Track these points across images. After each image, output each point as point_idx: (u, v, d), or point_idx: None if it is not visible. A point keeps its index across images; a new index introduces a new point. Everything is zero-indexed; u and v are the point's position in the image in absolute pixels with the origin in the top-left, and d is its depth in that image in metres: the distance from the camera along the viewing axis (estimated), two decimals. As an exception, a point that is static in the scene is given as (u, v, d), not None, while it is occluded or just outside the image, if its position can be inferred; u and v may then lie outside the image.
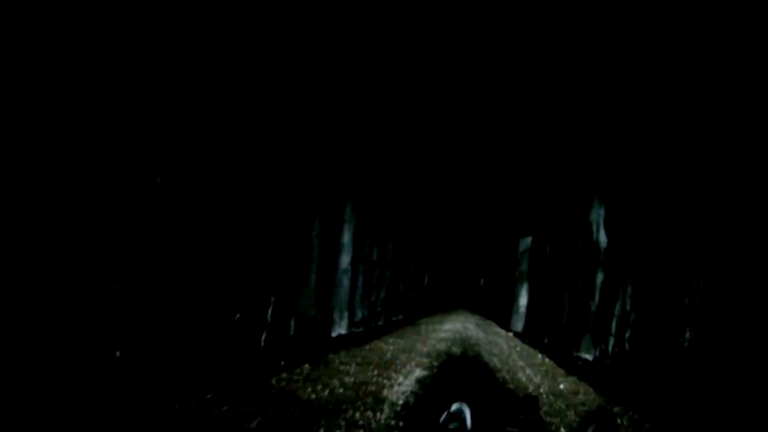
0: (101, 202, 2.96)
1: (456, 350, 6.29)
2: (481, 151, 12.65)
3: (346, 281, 7.74)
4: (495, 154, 12.59)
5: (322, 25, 5.92)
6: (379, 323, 10.16)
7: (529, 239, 12.48)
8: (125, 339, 3.29)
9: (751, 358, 3.62)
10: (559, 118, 9.22)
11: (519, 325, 11.87)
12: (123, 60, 3.08)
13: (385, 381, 3.98)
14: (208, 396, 3.30)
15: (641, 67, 5.95)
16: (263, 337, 5.29)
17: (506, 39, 7.59)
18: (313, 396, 3.41)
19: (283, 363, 4.81)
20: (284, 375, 4.12)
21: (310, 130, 6.03)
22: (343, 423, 2.96)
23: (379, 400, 3.39)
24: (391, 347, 6.20)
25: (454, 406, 2.54)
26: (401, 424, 3.01)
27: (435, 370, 4.68)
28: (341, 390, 3.59)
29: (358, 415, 3.15)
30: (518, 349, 7.36)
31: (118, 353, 3.32)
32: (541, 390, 4.52)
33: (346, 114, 7.29)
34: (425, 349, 6.11)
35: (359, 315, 8.63)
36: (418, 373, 4.43)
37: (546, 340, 9.16)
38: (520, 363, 5.67)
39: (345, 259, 7.66)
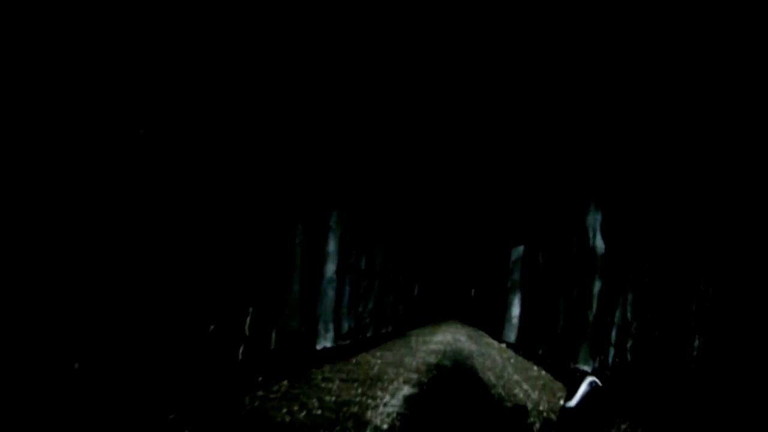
0: (56, 202, 2.59)
1: (447, 364, 5.91)
2: (472, 161, 12.38)
3: (331, 291, 7.36)
4: (485, 163, 12.32)
5: (308, 30, 5.61)
6: (368, 335, 9.77)
7: (521, 248, 12.19)
8: (84, 348, 2.91)
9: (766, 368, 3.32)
10: (550, 124, 8.96)
11: (512, 335, 11.52)
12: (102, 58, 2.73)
13: (369, 401, 3.58)
14: (171, 416, 2.91)
15: (640, 65, 5.68)
16: (241, 350, 4.91)
17: (496, 44, 7.32)
18: (288, 418, 3.03)
19: (260, 379, 4.42)
20: (260, 393, 3.73)
21: (293, 133, 5.69)
22: (317, 452, 2.60)
23: (361, 424, 3.01)
24: (378, 361, 5.81)
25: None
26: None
27: (425, 387, 4.28)
28: (320, 411, 3.20)
29: (335, 442, 2.79)
30: (512, 361, 7.01)
31: (76, 365, 2.94)
32: (541, 407, 4.16)
33: (332, 117, 6.96)
34: (415, 364, 5.73)
35: (346, 327, 8.25)
36: (407, 390, 4.04)
37: (540, 351, 8.82)
38: (516, 377, 5.31)
39: (330, 269, 7.29)
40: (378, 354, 6.66)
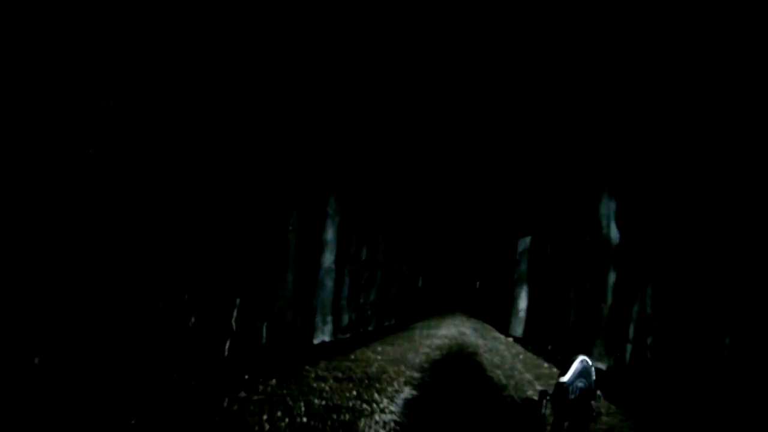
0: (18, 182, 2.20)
1: (452, 361, 5.50)
2: (478, 147, 11.93)
3: (329, 282, 6.97)
4: (492, 150, 11.87)
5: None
6: (369, 328, 9.38)
7: (528, 239, 11.76)
8: (47, 342, 2.52)
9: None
10: (559, 109, 8.50)
11: (518, 329, 11.12)
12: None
13: (364, 406, 3.14)
14: (132, 422, 2.52)
15: (653, 49, 5.23)
16: (227, 346, 4.52)
17: (506, 29, 6.87)
18: (267, 426, 2.63)
19: (247, 377, 4.03)
20: (242, 393, 3.34)
21: (286, 112, 5.27)
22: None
23: (350, 438, 2.61)
24: (378, 357, 5.40)
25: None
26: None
27: (427, 388, 3.84)
28: (305, 419, 2.79)
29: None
30: (521, 357, 6.60)
31: (36, 360, 2.56)
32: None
33: (331, 96, 6.53)
34: (417, 360, 5.30)
35: (346, 320, 7.86)
36: (407, 393, 3.60)
37: (550, 347, 8.41)
38: (527, 376, 4.89)
39: (328, 258, 6.89)
40: (379, 349, 6.27)
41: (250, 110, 4.57)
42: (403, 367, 4.70)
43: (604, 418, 3.71)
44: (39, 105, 2.42)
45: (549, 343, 8.56)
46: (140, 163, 3.16)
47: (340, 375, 4.14)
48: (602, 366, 6.12)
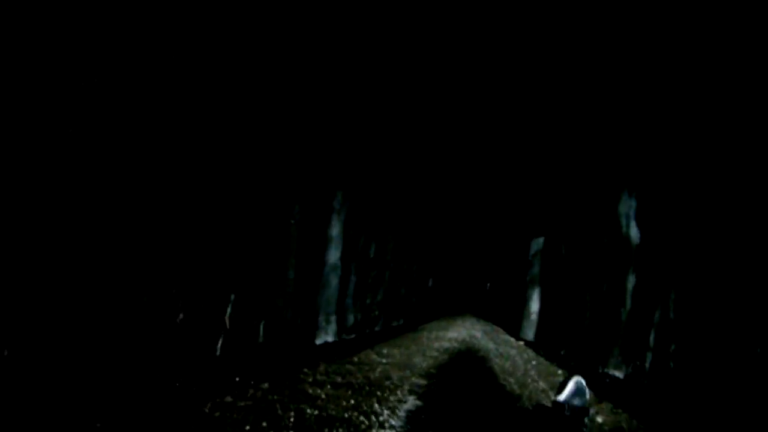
0: None
1: (462, 366, 5.18)
2: (492, 145, 11.60)
3: (334, 280, 6.68)
4: (506, 147, 11.53)
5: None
6: (376, 329, 9.09)
7: (541, 240, 11.40)
8: (12, 333, 2.27)
9: None
10: (574, 102, 8.15)
11: (530, 333, 10.77)
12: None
13: (362, 418, 2.79)
14: (98, 425, 2.25)
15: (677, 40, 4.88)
16: (219, 345, 4.25)
17: (522, 25, 6.55)
18: (248, 439, 2.35)
19: (237, 379, 3.76)
20: (228, 398, 3.06)
21: (292, 102, 4.99)
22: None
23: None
24: (383, 360, 5.10)
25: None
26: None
27: (434, 398, 3.49)
28: None
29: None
30: (534, 363, 6.27)
31: (5, 351, 2.31)
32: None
33: (340, 87, 6.24)
34: (425, 365, 4.98)
35: (351, 319, 7.57)
36: (411, 403, 3.25)
37: (563, 352, 8.07)
38: (542, 384, 4.56)
39: (334, 254, 6.60)
40: (384, 351, 5.97)
41: (248, 92, 4.29)
42: (408, 373, 4.38)
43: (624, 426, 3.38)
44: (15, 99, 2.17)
45: (562, 348, 8.21)
46: (121, 142, 2.90)
47: (339, 380, 3.84)
48: (619, 374, 5.78)
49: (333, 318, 6.65)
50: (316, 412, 2.83)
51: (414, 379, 4.09)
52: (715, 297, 4.29)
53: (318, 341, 6.28)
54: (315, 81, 5.61)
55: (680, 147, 5.12)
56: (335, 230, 6.67)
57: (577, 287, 8.07)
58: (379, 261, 9.14)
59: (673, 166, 5.29)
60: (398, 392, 3.54)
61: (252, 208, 4.50)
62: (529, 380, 4.71)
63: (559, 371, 5.68)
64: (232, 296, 4.35)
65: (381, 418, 2.83)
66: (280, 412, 2.80)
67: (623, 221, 6.38)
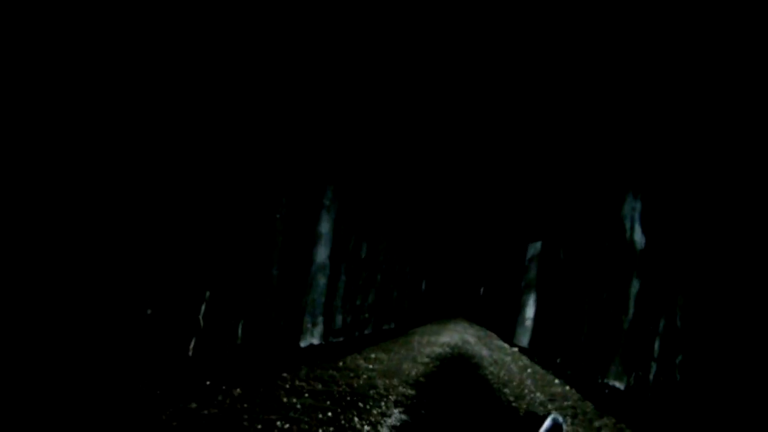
0: None
1: (454, 374, 4.83)
2: (488, 145, 11.30)
3: (322, 280, 6.35)
4: (503, 148, 11.23)
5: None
6: (366, 332, 8.75)
7: (538, 244, 11.11)
8: None
9: None
10: (574, 99, 7.86)
11: (524, 339, 10.47)
12: None
13: None
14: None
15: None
16: (192, 345, 3.91)
17: (521, 24, 6.25)
18: (204, 457, 2.02)
19: (208, 383, 3.42)
20: (193, 405, 2.72)
21: (279, 90, 4.66)
22: None
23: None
24: (370, 366, 4.75)
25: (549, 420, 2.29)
26: None
27: (422, 411, 3.11)
28: (254, 450, 2.16)
29: None
30: (530, 371, 5.95)
31: None
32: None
33: (331, 78, 5.91)
34: (414, 372, 4.63)
35: (339, 321, 7.23)
36: (396, 417, 2.83)
37: (559, 360, 7.76)
38: (539, 396, 4.23)
39: (322, 253, 6.27)
40: (372, 356, 5.63)
41: (227, 72, 3.96)
42: (396, 381, 4.03)
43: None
44: None
45: (558, 356, 7.90)
46: (85, 121, 2.56)
47: (319, 387, 3.50)
48: (620, 385, 5.47)
49: (320, 320, 6.32)
50: (287, 426, 2.49)
51: (401, 389, 3.75)
52: (727, 304, 3.99)
53: (303, 344, 5.94)
54: (306, 67, 5.29)
55: (687, 147, 4.82)
56: (324, 227, 6.34)
57: (576, 293, 7.77)
58: (371, 262, 8.81)
59: (681, 166, 4.99)
60: (382, 404, 3.19)
61: (232, 198, 4.17)
62: (526, 391, 4.39)
63: (556, 381, 5.36)
64: (207, 293, 4.01)
65: (360, 435, 2.48)
66: (246, 423, 2.46)
67: (627, 224, 6.08)
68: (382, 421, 2.81)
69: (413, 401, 3.34)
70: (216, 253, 4.03)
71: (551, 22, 6.44)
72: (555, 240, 9.70)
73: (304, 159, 5.51)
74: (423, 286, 14.87)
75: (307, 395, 3.20)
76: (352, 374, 4.16)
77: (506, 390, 4.26)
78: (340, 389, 3.51)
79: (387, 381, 4.00)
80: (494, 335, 12.35)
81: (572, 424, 3.32)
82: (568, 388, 4.97)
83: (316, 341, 6.19)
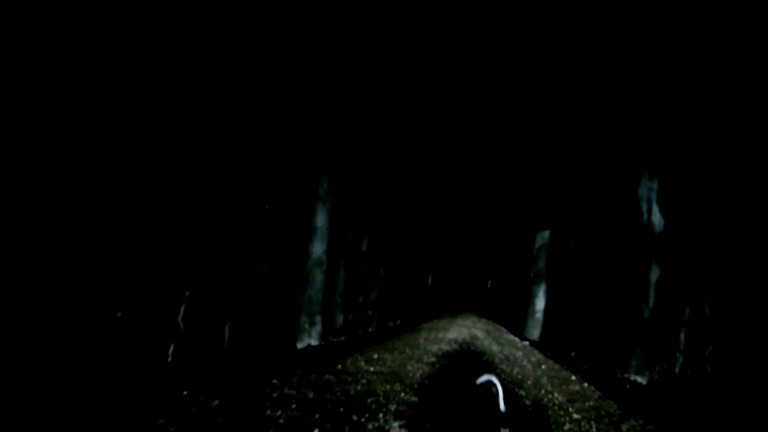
0: None
1: (463, 375, 4.43)
2: (492, 133, 10.88)
3: (319, 275, 5.96)
4: (507, 133, 10.81)
5: None
6: (369, 330, 8.37)
7: (546, 233, 10.70)
8: None
9: None
10: (582, 73, 7.42)
11: (535, 332, 10.07)
12: None
13: None
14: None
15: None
16: (171, 350, 3.53)
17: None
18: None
19: (185, 392, 3.04)
20: (161, 421, 2.34)
21: (262, 69, 4.25)
22: None
23: None
24: (371, 369, 4.35)
25: (482, 380, 2.38)
26: None
27: (426, 423, 2.68)
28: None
29: None
30: (544, 367, 5.55)
31: None
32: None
33: (324, 62, 5.50)
34: (419, 374, 4.22)
35: (340, 320, 6.85)
36: None
37: (573, 353, 7.35)
38: (557, 397, 3.81)
39: (318, 247, 5.88)
40: (375, 356, 5.24)
41: (228, 69, 3.57)
42: (398, 386, 3.60)
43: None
44: None
45: (572, 349, 7.50)
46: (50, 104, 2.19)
47: (311, 396, 3.10)
48: (642, 380, 5.07)
49: (318, 319, 5.93)
50: (264, 447, 2.12)
51: (403, 396, 3.34)
52: (764, 287, 3.58)
53: (300, 345, 5.56)
54: (295, 44, 4.89)
55: (711, 116, 4.40)
56: (320, 220, 5.95)
57: (589, 282, 7.36)
58: (373, 256, 8.42)
59: (702, 142, 4.57)
60: (381, 416, 2.78)
61: (213, 188, 3.78)
62: (542, 391, 3.98)
63: (573, 377, 4.96)
64: (187, 293, 3.63)
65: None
66: (217, 445, 2.09)
67: (644, 206, 5.66)
68: (378, 440, 2.40)
69: (416, 411, 2.93)
70: (194, 249, 3.65)
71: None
72: (564, 228, 9.29)
73: (295, 145, 5.12)
74: (429, 281, 14.48)
75: (294, 406, 2.81)
76: (350, 379, 3.77)
77: (522, 392, 3.85)
78: (335, 398, 3.12)
79: (388, 386, 3.60)
80: (504, 329, 11.95)
81: (598, 430, 2.92)
82: (586, 385, 4.57)
83: (314, 342, 5.81)
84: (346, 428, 2.48)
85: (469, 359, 5.65)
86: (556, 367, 5.74)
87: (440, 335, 8.52)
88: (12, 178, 2.22)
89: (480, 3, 6.40)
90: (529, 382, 4.37)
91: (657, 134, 5.51)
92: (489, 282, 20.72)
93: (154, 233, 3.22)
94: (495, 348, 7.20)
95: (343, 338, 6.84)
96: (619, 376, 5.41)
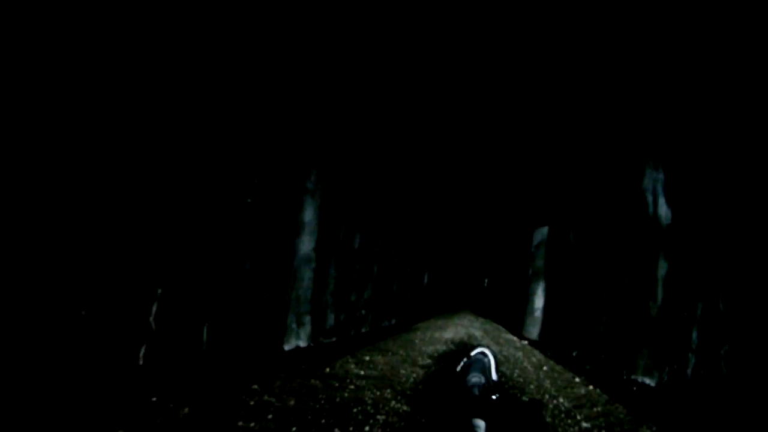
0: None
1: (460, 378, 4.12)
2: (488, 127, 10.60)
3: (308, 273, 5.65)
4: (503, 128, 10.53)
5: None
6: (363, 330, 8.07)
7: (545, 229, 10.41)
8: None
9: None
10: (580, 61, 7.14)
11: (534, 331, 9.78)
12: None
13: None
14: None
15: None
16: (142, 353, 3.22)
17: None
18: None
19: (155, 399, 2.73)
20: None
21: (243, 54, 3.93)
22: None
23: None
24: (361, 372, 4.04)
25: (476, 351, 2.40)
26: None
27: None
28: None
29: None
30: (545, 369, 5.25)
31: None
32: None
33: (312, 51, 5.18)
34: (412, 378, 3.90)
35: (331, 320, 6.54)
36: None
37: (575, 353, 7.06)
38: (562, 402, 3.51)
39: (306, 243, 5.57)
40: (366, 359, 4.93)
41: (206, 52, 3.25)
42: (388, 393, 3.28)
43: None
44: None
45: (574, 348, 7.21)
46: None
47: (291, 404, 2.79)
48: (651, 382, 4.78)
49: (306, 319, 5.62)
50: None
51: (394, 404, 3.02)
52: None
53: (287, 347, 5.25)
54: (283, 30, 4.57)
55: (718, 100, 4.11)
56: (308, 215, 5.64)
57: (591, 279, 7.07)
58: (366, 253, 8.11)
59: (710, 129, 4.28)
60: (366, 428, 2.47)
61: (188, 175, 3.46)
62: (546, 395, 3.68)
63: (576, 379, 4.67)
64: (159, 290, 3.32)
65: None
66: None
67: (649, 198, 5.37)
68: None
69: (407, 422, 2.61)
70: (167, 243, 3.34)
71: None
72: (563, 223, 9.00)
73: (281, 135, 4.80)
74: (425, 279, 14.17)
75: (271, 417, 2.50)
76: (337, 384, 3.46)
77: (524, 398, 3.55)
78: (318, 406, 2.80)
79: (378, 393, 3.28)
80: (502, 328, 11.66)
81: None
82: (591, 387, 4.27)
83: (303, 343, 5.50)
84: (329, 441, 2.17)
85: (469, 361, 5.34)
86: (558, 368, 5.45)
87: (436, 335, 8.22)
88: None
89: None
90: (532, 386, 4.07)
91: (662, 122, 5.22)
92: (486, 280, 20.44)
93: (121, 223, 2.91)
94: (494, 348, 6.91)
95: (334, 339, 6.53)
96: (625, 377, 5.12)
